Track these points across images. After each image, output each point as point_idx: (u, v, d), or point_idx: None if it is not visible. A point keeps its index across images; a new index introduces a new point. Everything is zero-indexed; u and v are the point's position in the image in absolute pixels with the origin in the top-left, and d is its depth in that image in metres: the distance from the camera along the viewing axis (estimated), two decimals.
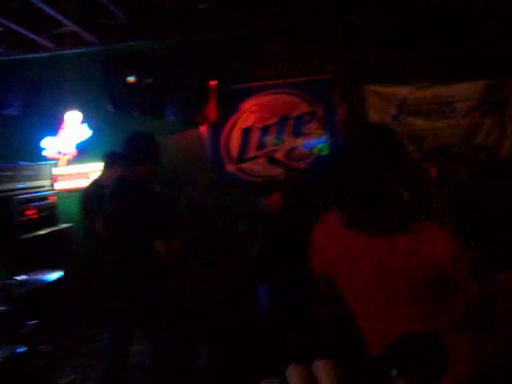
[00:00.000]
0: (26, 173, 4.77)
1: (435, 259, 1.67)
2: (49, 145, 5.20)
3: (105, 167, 4.25)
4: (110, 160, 4.22)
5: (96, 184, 4.22)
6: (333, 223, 1.81)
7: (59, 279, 3.37)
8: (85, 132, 5.22)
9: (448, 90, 5.16)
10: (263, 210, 3.72)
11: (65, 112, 5.20)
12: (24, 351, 2.89)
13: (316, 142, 5.20)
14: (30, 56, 5.20)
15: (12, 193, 4.52)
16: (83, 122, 5.23)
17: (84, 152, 5.25)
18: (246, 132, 5.16)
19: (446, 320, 1.70)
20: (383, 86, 5.18)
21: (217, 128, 5.15)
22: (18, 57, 5.16)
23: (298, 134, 5.17)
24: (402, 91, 5.17)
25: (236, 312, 4.04)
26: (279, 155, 5.14)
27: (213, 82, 4.72)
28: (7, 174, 4.55)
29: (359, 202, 1.72)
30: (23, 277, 3.36)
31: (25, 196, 4.62)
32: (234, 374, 3.87)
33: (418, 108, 5.17)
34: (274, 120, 5.16)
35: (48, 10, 3.99)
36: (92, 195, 4.10)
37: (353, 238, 1.75)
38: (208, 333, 3.94)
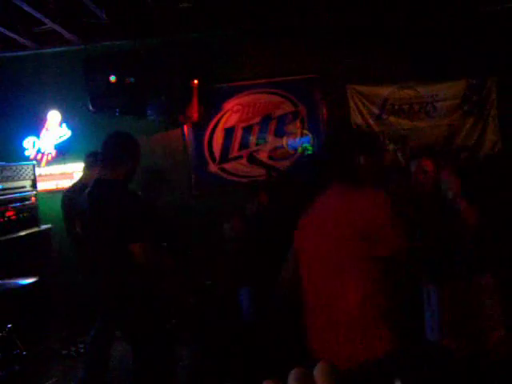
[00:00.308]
0: (5, 173, 4.70)
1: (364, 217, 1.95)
2: (30, 145, 5.13)
3: (87, 167, 4.19)
4: (92, 160, 4.15)
5: (79, 185, 4.16)
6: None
7: (36, 282, 3.31)
8: (64, 132, 5.16)
9: (430, 90, 5.20)
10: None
11: (45, 111, 5.13)
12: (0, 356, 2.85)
13: (299, 141, 5.20)
14: (9, 55, 5.13)
15: None
16: (63, 121, 5.17)
17: (63, 152, 5.18)
18: (229, 132, 5.13)
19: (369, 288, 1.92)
20: (366, 86, 5.20)
21: (199, 128, 5.11)
22: None
23: (281, 133, 5.16)
24: (385, 91, 5.19)
25: (219, 313, 4.03)
26: (262, 155, 5.13)
27: (195, 82, 4.69)
28: None
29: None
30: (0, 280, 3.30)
31: (4, 197, 4.55)
32: (215, 376, 3.86)
33: (400, 108, 5.20)
34: (257, 120, 5.14)
35: (27, 8, 3.93)
36: (73, 196, 4.04)
37: (314, 206, 2.16)
38: (189, 334, 3.92)
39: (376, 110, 5.20)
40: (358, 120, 5.18)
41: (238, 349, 3.78)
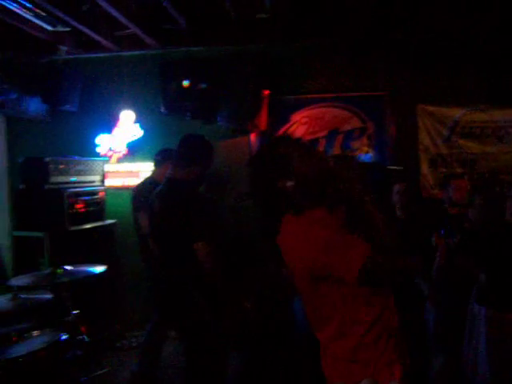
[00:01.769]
0: (78, 167, 4.93)
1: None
2: (102, 142, 5.36)
3: (156, 165, 4.31)
4: (160, 158, 4.28)
5: (149, 181, 4.29)
6: None
7: (102, 273, 3.44)
8: (137, 132, 5.35)
9: (503, 115, 5.05)
10: None
11: (119, 111, 5.34)
12: (66, 339, 2.98)
13: (362, 158, 5.16)
14: (92, 56, 5.39)
15: (63, 186, 4.69)
16: (136, 121, 5.36)
17: (134, 151, 5.37)
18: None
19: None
20: (436, 107, 5.10)
21: (266, 137, 5.17)
22: (79, 56, 5.35)
23: (345, 148, 5.15)
24: (456, 113, 5.08)
25: (271, 321, 4.03)
26: None
27: (266, 92, 4.76)
28: (61, 167, 4.72)
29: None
30: (69, 267, 3.44)
31: (75, 190, 4.77)
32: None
33: (471, 131, 5.07)
34: (324, 133, 5.15)
35: (114, 12, 4.13)
36: (143, 191, 4.16)
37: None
38: (241, 339, 3.94)
39: (445, 132, 5.10)
40: (426, 141, 5.10)
41: (290, 358, 3.78)
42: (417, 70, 5.02)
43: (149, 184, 4.09)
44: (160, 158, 4.26)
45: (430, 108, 5.10)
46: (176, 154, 3.07)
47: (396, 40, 4.98)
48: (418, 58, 5.00)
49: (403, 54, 5.02)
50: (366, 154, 5.15)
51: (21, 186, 4.69)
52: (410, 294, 3.44)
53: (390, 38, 4.98)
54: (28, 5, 4.14)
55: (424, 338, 3.61)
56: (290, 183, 1.76)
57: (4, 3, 3.97)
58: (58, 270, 3.23)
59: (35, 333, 3.01)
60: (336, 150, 5.13)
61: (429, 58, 4.99)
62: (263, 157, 1.87)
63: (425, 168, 5.12)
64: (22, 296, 3.09)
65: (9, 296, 3.09)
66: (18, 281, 3.26)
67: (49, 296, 3.18)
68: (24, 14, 4.29)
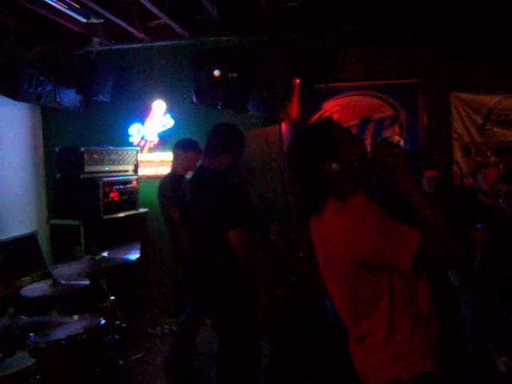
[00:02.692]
0: (111, 157, 5.02)
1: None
2: (134, 131, 5.44)
3: (177, 156, 4.35)
4: (177, 149, 4.33)
5: (172, 174, 4.34)
6: None
7: (137, 259, 3.52)
8: (168, 121, 5.41)
9: None
10: None
11: (151, 101, 5.41)
12: (104, 323, 3.06)
13: None
14: (124, 47, 5.45)
15: (98, 175, 4.78)
16: (167, 111, 5.42)
17: (165, 141, 5.43)
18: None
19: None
20: (470, 94, 5.01)
21: (297, 126, 5.17)
22: (112, 47, 5.42)
23: (377, 137, 5.10)
24: (490, 100, 4.98)
25: (304, 312, 4.04)
26: None
27: (297, 80, 4.75)
28: (95, 156, 4.81)
29: None
30: (105, 254, 3.53)
31: (109, 179, 4.86)
32: (295, 373, 3.88)
33: (506, 118, 4.97)
34: (356, 121, 5.12)
35: (147, 3, 4.17)
36: (168, 185, 4.22)
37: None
38: (273, 328, 3.96)
39: (479, 120, 5.01)
40: (460, 129, 5.02)
41: (320, 350, 3.79)
42: (450, 57, 4.93)
43: (170, 180, 4.17)
44: (176, 149, 4.31)
45: (464, 95, 5.01)
46: (206, 143, 3.09)
47: (428, 26, 4.89)
48: (450, 44, 4.91)
49: (436, 41, 4.93)
50: (398, 143, 5.10)
51: (57, 176, 4.80)
52: (441, 285, 3.41)
53: (422, 25, 4.89)
54: None
55: (457, 331, 3.58)
56: (335, 166, 1.73)
57: None
58: (97, 257, 3.31)
59: (75, 317, 3.10)
60: (367, 139, 5.10)
61: (462, 44, 4.89)
62: (311, 137, 1.83)
63: (458, 156, 5.05)
64: (62, 282, 3.18)
65: (49, 282, 3.18)
66: (59, 269, 3.35)
67: (87, 282, 3.26)
68: (59, 7, 4.37)
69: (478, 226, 3.50)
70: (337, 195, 1.75)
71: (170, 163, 5.27)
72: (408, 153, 1.87)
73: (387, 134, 5.10)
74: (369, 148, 1.82)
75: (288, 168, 1.88)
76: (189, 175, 3.98)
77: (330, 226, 1.77)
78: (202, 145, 3.19)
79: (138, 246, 4.65)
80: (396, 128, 5.09)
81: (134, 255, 3.58)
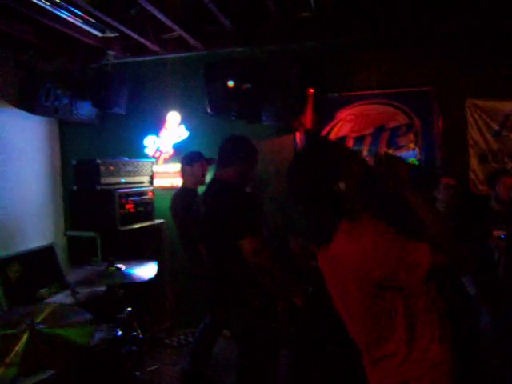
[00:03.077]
0: (127, 168, 5.07)
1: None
2: (150, 143, 5.48)
3: (184, 171, 4.39)
4: (189, 160, 4.36)
5: (182, 189, 4.37)
6: None
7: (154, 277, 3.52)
8: (183, 133, 5.45)
9: None
10: None
11: (166, 112, 5.46)
12: (121, 334, 3.07)
13: (408, 155, 5.08)
14: (138, 59, 5.52)
15: (114, 186, 4.83)
16: (182, 122, 5.46)
17: (180, 152, 5.45)
18: (341, 141, 5.14)
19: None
20: (486, 101, 4.97)
21: (309, 136, 5.17)
22: (127, 60, 5.49)
23: (392, 145, 5.08)
24: (507, 106, 4.93)
25: (320, 320, 4.02)
26: None
27: (311, 90, 4.75)
28: (111, 168, 4.86)
29: None
30: (121, 265, 3.54)
31: (125, 190, 4.90)
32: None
33: None
34: (370, 130, 5.10)
35: (160, 16, 4.22)
36: (179, 200, 4.24)
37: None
38: (291, 336, 3.94)
39: (496, 126, 4.96)
40: (476, 136, 4.97)
41: (336, 358, 3.76)
42: (464, 64, 4.89)
43: (181, 194, 4.20)
44: (187, 162, 4.34)
45: (480, 102, 4.97)
46: (218, 155, 3.11)
47: (442, 33, 4.87)
48: (465, 50, 4.87)
49: (450, 47, 4.90)
50: (413, 151, 5.07)
51: (74, 188, 4.85)
52: (457, 294, 3.37)
53: (436, 31, 4.88)
54: (79, 12, 4.28)
55: (477, 343, 3.53)
56: (342, 185, 1.69)
57: (57, 12, 4.12)
58: (113, 269, 3.33)
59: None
60: (382, 147, 5.08)
61: (477, 49, 4.85)
62: (313, 160, 1.79)
63: (474, 164, 5.00)
64: (80, 293, 3.20)
65: (67, 293, 3.21)
66: (73, 276, 3.37)
67: (103, 287, 3.28)
68: (75, 22, 4.45)
69: (502, 236, 3.47)
70: (350, 215, 1.72)
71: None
72: (412, 168, 1.85)
73: (402, 142, 5.08)
74: (370, 160, 1.80)
75: (292, 194, 1.84)
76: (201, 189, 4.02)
77: (342, 252, 1.73)
78: (217, 155, 3.20)
79: (155, 256, 4.68)
80: (411, 136, 5.06)
81: (151, 271, 3.56)
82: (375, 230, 1.67)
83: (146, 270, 3.41)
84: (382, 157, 1.79)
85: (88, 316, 2.52)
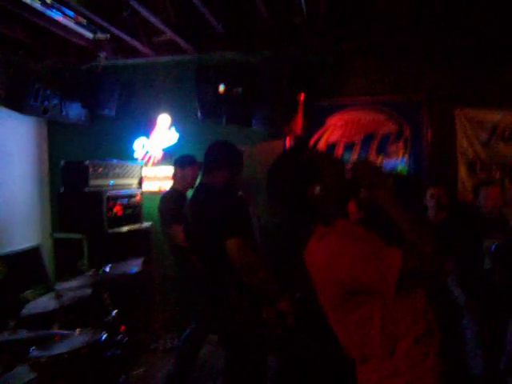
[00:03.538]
0: (116, 171, 5.04)
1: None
2: (139, 146, 5.46)
3: (177, 173, 4.38)
4: (181, 164, 4.35)
5: (172, 191, 4.35)
6: None
7: (139, 273, 3.50)
8: (173, 136, 5.43)
9: None
10: None
11: (156, 115, 5.44)
12: (106, 338, 3.04)
13: (397, 162, 5.11)
14: (129, 61, 5.50)
15: (102, 189, 4.79)
16: (172, 126, 5.45)
17: (170, 156, 5.43)
18: (331, 147, 5.15)
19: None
20: (475, 110, 5.00)
21: (301, 140, 5.18)
22: (117, 62, 5.47)
23: (381, 152, 5.11)
24: (496, 116, 4.96)
25: (309, 326, 4.01)
26: None
27: (301, 96, 4.77)
28: (99, 170, 4.83)
29: None
30: (108, 268, 3.51)
31: (113, 193, 4.87)
32: None
33: (511, 134, 4.95)
34: (360, 137, 5.12)
35: (152, 19, 4.21)
36: (169, 201, 4.22)
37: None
38: (279, 342, 3.92)
39: (485, 136, 4.99)
40: (465, 144, 5.00)
41: (328, 365, 3.75)
42: (455, 72, 4.93)
43: (171, 197, 4.19)
44: (179, 165, 4.33)
45: (469, 111, 5.00)
46: (204, 161, 3.13)
47: (433, 41, 4.91)
48: (455, 59, 4.91)
49: (440, 56, 4.94)
50: (402, 159, 5.10)
51: (61, 189, 4.81)
52: (445, 302, 3.38)
53: (427, 40, 4.92)
54: (70, 13, 4.26)
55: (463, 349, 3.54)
56: (318, 189, 1.72)
57: (49, 13, 4.10)
58: (100, 271, 3.31)
59: (77, 331, 3.08)
60: (372, 154, 5.10)
61: (466, 59, 4.89)
62: (290, 164, 1.81)
63: (463, 172, 5.03)
64: (65, 296, 3.17)
65: (52, 295, 3.17)
66: (62, 285, 3.34)
67: (89, 291, 3.26)
68: (66, 23, 4.42)
69: (493, 246, 3.49)
70: (322, 220, 1.74)
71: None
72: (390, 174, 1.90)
73: (392, 149, 5.10)
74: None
75: (270, 196, 1.85)
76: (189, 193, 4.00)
77: (313, 257, 1.75)
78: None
79: (142, 260, 4.65)
80: (401, 143, 5.09)
81: (137, 264, 3.55)
82: (344, 234, 1.69)
83: (132, 266, 3.39)
84: (356, 162, 1.81)
85: None
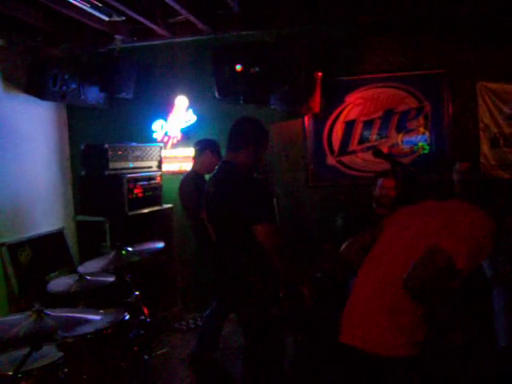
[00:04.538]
0: (135, 153, 5.07)
1: None
2: (158, 128, 5.47)
3: (196, 155, 4.37)
4: (199, 148, 4.34)
5: (192, 173, 4.35)
6: None
7: (161, 256, 3.55)
8: (190, 117, 5.43)
9: None
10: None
11: (173, 97, 5.43)
12: (129, 318, 3.10)
13: (418, 139, 5.03)
14: (146, 43, 5.49)
15: (122, 171, 4.83)
16: (190, 107, 5.44)
17: (188, 136, 5.44)
18: (349, 125, 5.10)
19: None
20: (498, 83, 4.88)
21: (320, 119, 5.13)
22: (135, 44, 5.46)
23: (401, 129, 5.04)
24: None
25: (328, 305, 4.02)
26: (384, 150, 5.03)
27: (319, 74, 4.71)
28: (119, 153, 4.86)
29: None
30: (130, 249, 3.55)
31: (133, 175, 4.91)
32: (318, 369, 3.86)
33: None
34: (379, 114, 5.05)
35: (168, 0, 4.18)
36: (190, 182, 4.23)
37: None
38: (298, 323, 3.94)
39: (508, 110, 4.88)
40: (487, 120, 4.90)
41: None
42: (476, 46, 4.82)
43: (192, 177, 4.19)
44: (198, 148, 4.32)
45: (491, 85, 4.89)
46: (228, 138, 3.07)
47: (453, 15, 4.78)
48: (476, 33, 4.78)
49: (461, 30, 4.82)
50: (423, 135, 5.02)
51: (82, 173, 4.87)
52: (475, 277, 3.34)
53: (446, 14, 4.79)
54: None
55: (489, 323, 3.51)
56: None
57: None
58: (123, 252, 3.35)
59: (101, 312, 3.13)
60: (392, 131, 5.04)
61: (488, 32, 4.76)
62: None
63: (485, 148, 4.93)
64: (88, 277, 3.23)
65: (75, 277, 3.23)
66: (86, 267, 3.40)
67: (112, 278, 3.30)
68: (82, 6, 4.41)
69: None
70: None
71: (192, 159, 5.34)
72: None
73: (412, 126, 5.03)
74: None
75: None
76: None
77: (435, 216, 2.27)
78: (225, 139, 3.17)
79: (163, 240, 4.69)
80: (421, 120, 5.01)
81: (160, 243, 3.61)
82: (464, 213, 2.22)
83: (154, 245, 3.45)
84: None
85: None
